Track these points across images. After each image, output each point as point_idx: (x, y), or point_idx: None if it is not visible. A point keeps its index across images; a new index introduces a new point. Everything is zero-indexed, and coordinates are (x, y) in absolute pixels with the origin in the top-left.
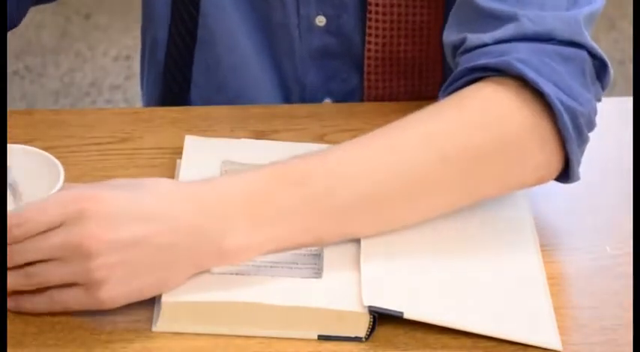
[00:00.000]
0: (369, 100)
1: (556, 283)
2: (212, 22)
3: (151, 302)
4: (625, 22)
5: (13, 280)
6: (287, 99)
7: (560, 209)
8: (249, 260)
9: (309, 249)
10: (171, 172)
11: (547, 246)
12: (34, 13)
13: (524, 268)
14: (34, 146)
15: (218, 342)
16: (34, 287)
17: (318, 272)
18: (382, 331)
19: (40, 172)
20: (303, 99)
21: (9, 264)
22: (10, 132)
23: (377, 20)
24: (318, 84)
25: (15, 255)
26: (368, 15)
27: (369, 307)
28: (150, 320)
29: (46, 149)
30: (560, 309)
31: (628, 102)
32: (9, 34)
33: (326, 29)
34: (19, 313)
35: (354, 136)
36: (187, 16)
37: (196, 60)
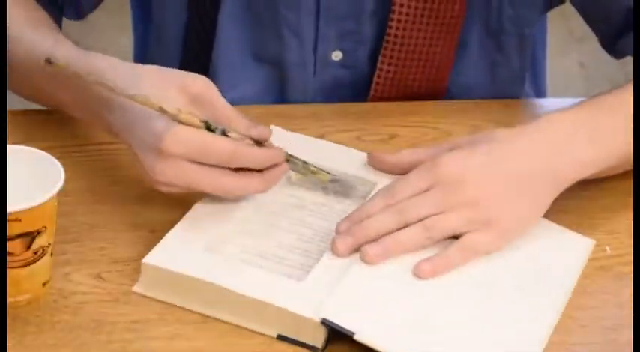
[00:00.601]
0: None
1: None
2: (222, 56)
3: (151, 302)
4: None
5: (413, 235)
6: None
7: (560, 209)
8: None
9: (301, 249)
10: None
11: None
12: None
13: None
14: (34, 146)
15: (217, 342)
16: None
17: (303, 275)
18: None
19: (40, 172)
20: None
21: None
22: (10, 132)
23: (392, 50)
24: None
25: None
26: (385, 45)
27: (323, 319)
28: (150, 321)
29: (46, 149)
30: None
31: None
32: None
33: (341, 63)
34: (20, 313)
35: (354, 136)
36: (199, 43)
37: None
